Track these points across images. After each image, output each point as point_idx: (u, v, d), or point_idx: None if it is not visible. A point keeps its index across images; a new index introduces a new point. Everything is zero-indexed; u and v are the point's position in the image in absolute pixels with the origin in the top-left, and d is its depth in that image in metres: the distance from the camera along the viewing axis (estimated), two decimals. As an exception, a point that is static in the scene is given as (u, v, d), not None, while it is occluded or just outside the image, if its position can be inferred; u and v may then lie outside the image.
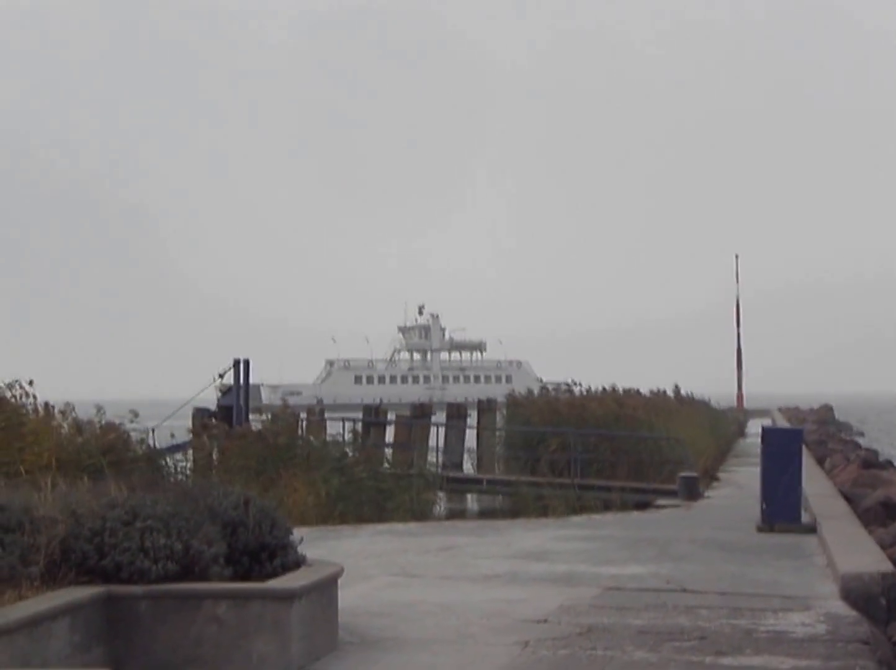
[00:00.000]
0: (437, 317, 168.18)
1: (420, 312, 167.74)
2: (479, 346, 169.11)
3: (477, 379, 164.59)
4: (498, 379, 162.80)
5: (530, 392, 41.91)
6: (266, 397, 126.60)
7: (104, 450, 19.32)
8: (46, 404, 19.99)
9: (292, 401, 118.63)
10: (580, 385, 40.02)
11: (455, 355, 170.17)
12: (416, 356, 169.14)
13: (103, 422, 20.56)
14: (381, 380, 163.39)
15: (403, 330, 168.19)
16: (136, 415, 21.14)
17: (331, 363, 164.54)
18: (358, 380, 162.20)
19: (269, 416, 29.31)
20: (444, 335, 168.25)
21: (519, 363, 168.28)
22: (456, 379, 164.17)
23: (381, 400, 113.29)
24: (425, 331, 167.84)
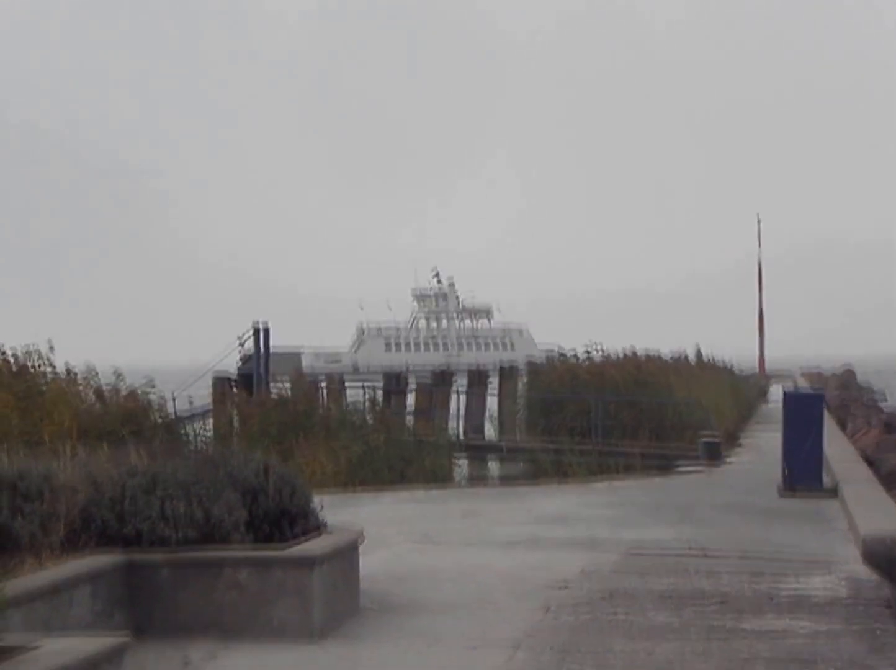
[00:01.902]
0: (454, 283, 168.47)
1: (438, 280, 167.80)
2: (488, 312, 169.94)
3: (486, 345, 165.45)
4: (504, 345, 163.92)
5: (551, 358, 41.81)
6: (308, 364, 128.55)
7: (125, 418, 19.34)
8: (67, 370, 19.99)
9: (332, 367, 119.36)
10: (601, 349, 39.89)
11: (465, 321, 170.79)
12: (433, 323, 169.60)
13: (124, 388, 20.56)
14: (408, 346, 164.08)
15: (420, 296, 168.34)
16: (152, 384, 21.13)
17: (362, 330, 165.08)
18: (388, 346, 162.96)
19: (290, 384, 29.29)
20: (458, 301, 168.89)
21: (521, 329, 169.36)
22: (469, 345, 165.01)
23: (407, 366, 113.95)
24: (442, 297, 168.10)
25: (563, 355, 40.67)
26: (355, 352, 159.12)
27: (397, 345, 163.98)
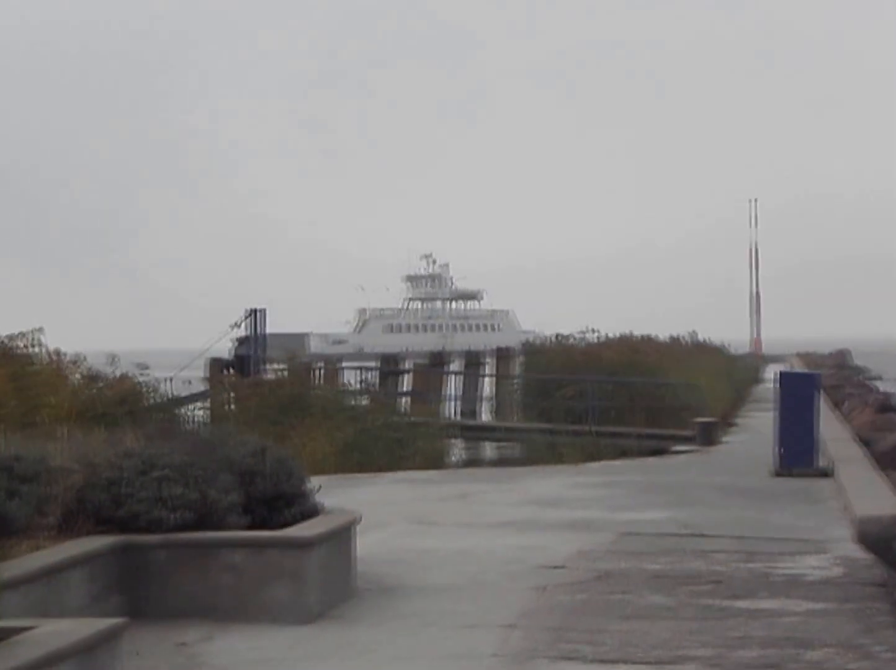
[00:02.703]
0: (447, 265, 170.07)
1: (433, 261, 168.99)
2: (477, 295, 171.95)
3: (476, 327, 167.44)
4: (491, 328, 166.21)
5: (547, 339, 41.87)
6: (316, 346, 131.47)
7: (118, 400, 19.32)
8: (58, 352, 19.91)
9: (338, 349, 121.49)
10: (596, 332, 39.97)
11: (455, 304, 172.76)
12: (426, 305, 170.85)
13: (117, 371, 20.53)
14: (407, 329, 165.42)
15: (412, 278, 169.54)
16: (145, 366, 21.11)
17: (363, 312, 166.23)
18: (388, 329, 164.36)
19: (286, 366, 29.29)
20: (450, 284, 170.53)
21: (506, 312, 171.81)
22: (460, 328, 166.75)
23: (406, 349, 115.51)
24: (435, 279, 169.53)
25: (559, 336, 40.70)
26: (358, 334, 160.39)
27: (397, 327, 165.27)
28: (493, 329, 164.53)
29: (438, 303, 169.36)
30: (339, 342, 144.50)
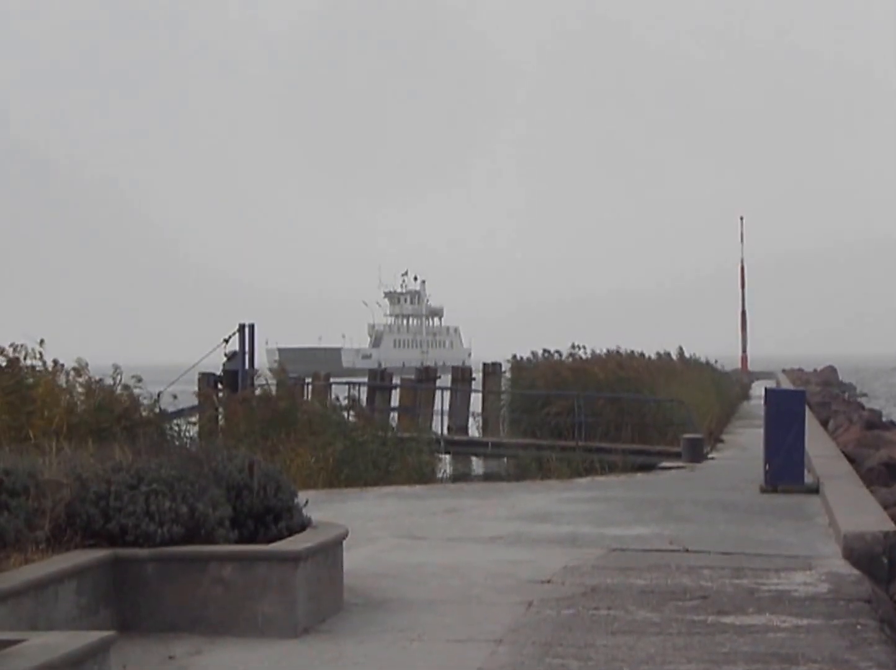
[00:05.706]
0: (425, 283, 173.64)
1: (414, 279, 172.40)
2: (439, 312, 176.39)
3: (437, 344, 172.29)
4: (444, 344, 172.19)
5: (533, 355, 41.89)
6: (348, 361, 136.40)
7: (119, 414, 19.26)
8: (55, 362, 19.76)
9: (366, 363, 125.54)
10: (583, 348, 40.03)
11: (426, 321, 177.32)
12: (403, 321, 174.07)
13: (119, 382, 20.45)
14: (414, 344, 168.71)
15: (391, 295, 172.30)
16: (139, 379, 21.04)
17: (372, 327, 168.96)
18: (397, 343, 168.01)
19: (276, 381, 29.29)
20: (427, 301, 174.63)
21: (456, 329, 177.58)
22: (431, 343, 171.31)
23: (403, 363, 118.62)
24: (415, 296, 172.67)
25: (546, 352, 40.73)
26: (377, 348, 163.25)
27: (405, 342, 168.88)
28: (447, 345, 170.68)
29: (417, 319, 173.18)
30: (367, 356, 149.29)
